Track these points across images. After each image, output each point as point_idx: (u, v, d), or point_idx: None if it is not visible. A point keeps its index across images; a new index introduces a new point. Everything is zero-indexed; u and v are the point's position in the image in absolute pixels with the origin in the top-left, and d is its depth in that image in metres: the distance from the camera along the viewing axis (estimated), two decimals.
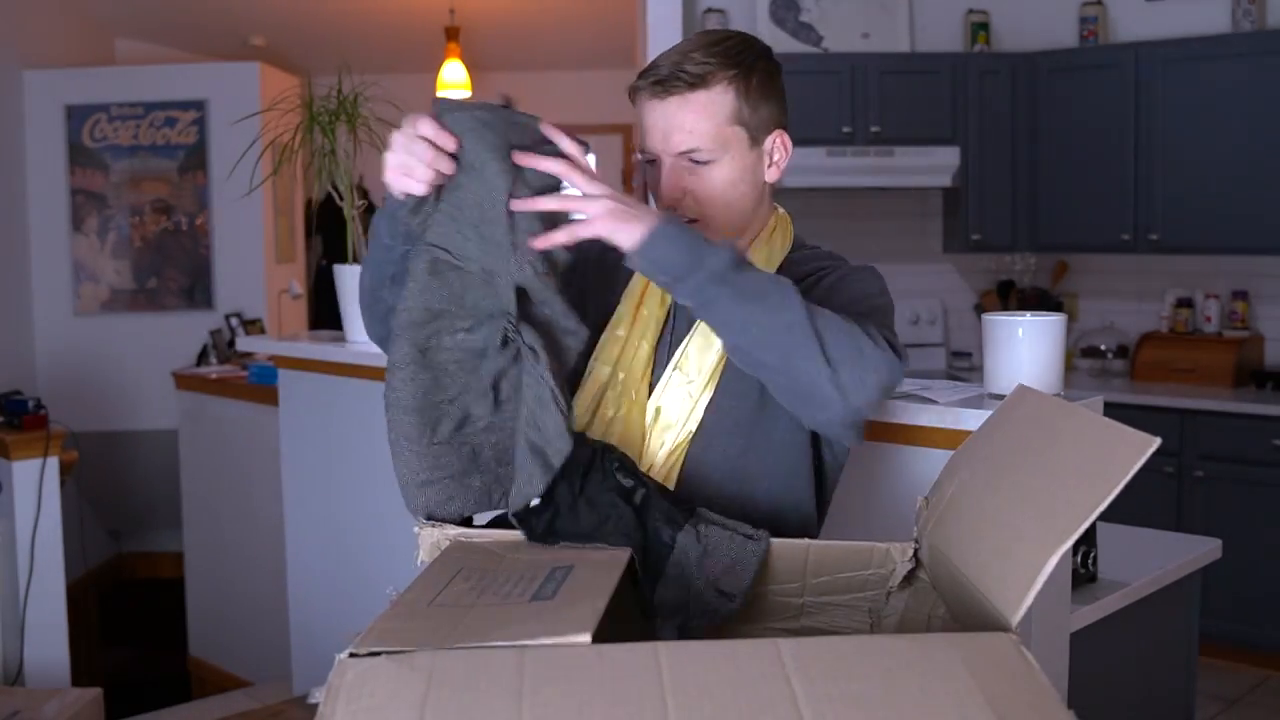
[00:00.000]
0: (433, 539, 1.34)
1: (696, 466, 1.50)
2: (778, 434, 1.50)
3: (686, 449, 1.50)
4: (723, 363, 1.50)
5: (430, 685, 0.90)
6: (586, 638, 0.95)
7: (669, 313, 1.57)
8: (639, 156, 1.62)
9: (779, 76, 1.57)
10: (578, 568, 1.17)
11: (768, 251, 1.58)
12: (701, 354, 1.50)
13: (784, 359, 1.33)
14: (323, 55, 4.37)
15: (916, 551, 1.29)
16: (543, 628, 0.97)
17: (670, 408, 1.50)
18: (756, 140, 1.54)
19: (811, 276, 1.56)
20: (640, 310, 1.56)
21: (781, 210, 1.66)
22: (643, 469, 1.45)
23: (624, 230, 1.32)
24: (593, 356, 1.53)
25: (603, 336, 1.54)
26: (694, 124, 1.49)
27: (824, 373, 1.32)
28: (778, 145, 1.57)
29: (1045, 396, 1.27)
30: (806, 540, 1.31)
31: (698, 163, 1.50)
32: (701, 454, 1.50)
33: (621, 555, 1.24)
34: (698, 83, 1.49)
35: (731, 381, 1.49)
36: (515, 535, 1.34)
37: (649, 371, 1.52)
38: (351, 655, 0.96)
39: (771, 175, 1.58)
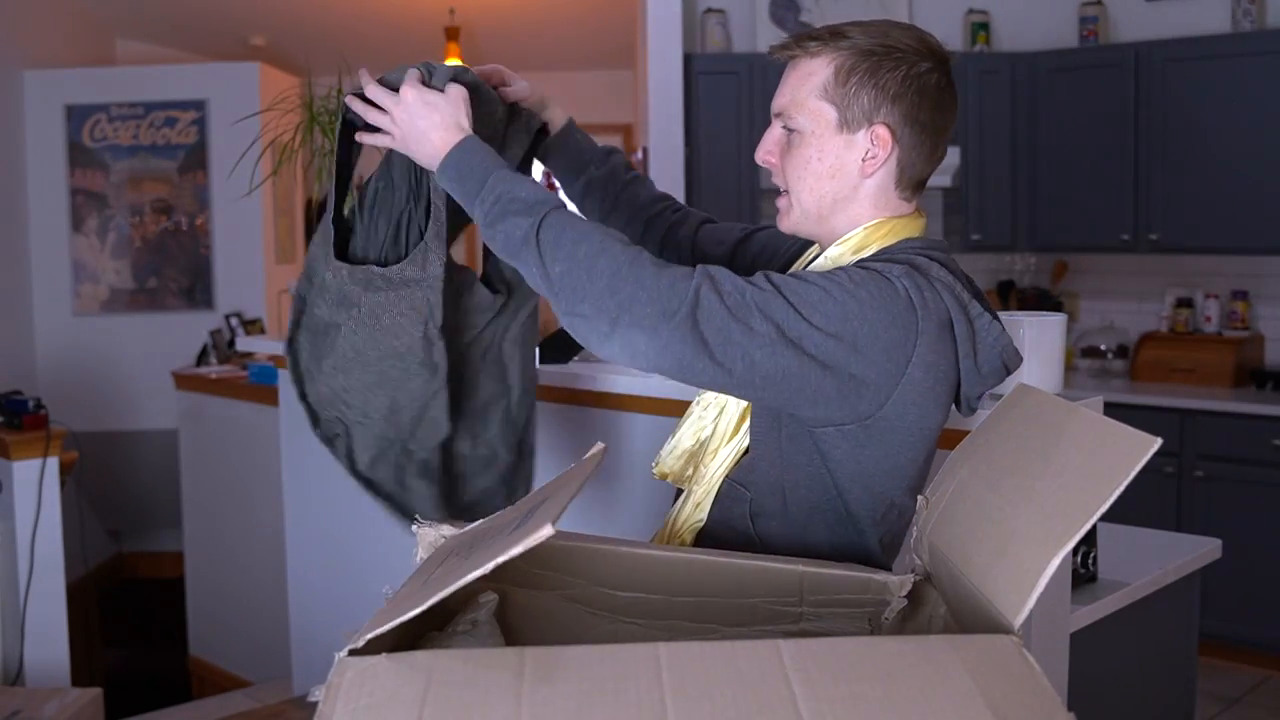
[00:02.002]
0: (430, 538, 1.35)
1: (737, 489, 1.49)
2: (801, 458, 1.44)
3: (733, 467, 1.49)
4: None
5: (430, 684, 0.90)
6: (550, 529, 0.95)
7: None
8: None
9: (918, 77, 1.44)
10: (552, 496, 1.18)
11: (839, 253, 1.48)
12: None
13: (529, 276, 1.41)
14: (323, 55, 4.35)
15: (914, 573, 1.28)
16: (513, 541, 0.98)
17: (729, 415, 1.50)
18: (848, 125, 1.45)
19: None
20: None
21: (899, 217, 1.51)
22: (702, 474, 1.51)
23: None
24: None
25: None
26: (791, 88, 1.47)
27: (545, 287, 1.38)
28: (876, 139, 1.45)
29: (1045, 395, 1.26)
30: (800, 567, 1.29)
31: (789, 130, 1.48)
32: (746, 475, 1.48)
33: (594, 459, 1.24)
34: (809, 51, 1.46)
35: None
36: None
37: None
38: (351, 653, 0.96)
39: (866, 170, 1.46)
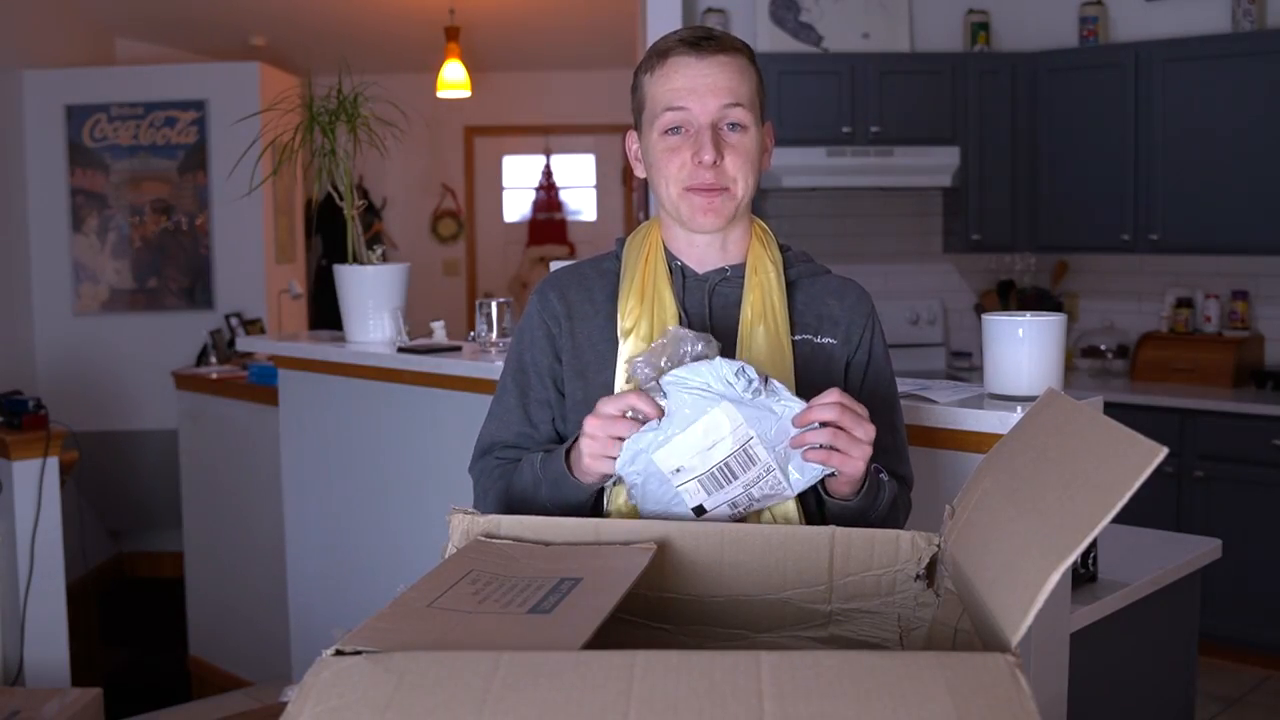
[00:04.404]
0: (464, 526, 1.32)
1: None
2: None
3: None
4: None
5: (399, 687, 0.89)
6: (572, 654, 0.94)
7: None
8: (635, 148, 1.61)
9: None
10: (586, 580, 1.15)
11: (765, 240, 1.61)
12: None
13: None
14: (323, 55, 4.36)
15: (940, 548, 1.28)
16: (527, 645, 0.96)
17: None
18: (760, 123, 1.56)
19: (858, 325, 1.60)
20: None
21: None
22: None
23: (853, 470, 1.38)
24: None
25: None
26: (737, 84, 1.52)
27: None
28: (768, 134, 1.60)
29: (1069, 401, 1.23)
30: (830, 528, 1.28)
31: (734, 127, 1.52)
32: None
33: (640, 560, 1.21)
34: (736, 48, 1.54)
35: None
36: (539, 534, 1.31)
37: None
38: (338, 653, 0.95)
39: (765, 163, 1.59)
